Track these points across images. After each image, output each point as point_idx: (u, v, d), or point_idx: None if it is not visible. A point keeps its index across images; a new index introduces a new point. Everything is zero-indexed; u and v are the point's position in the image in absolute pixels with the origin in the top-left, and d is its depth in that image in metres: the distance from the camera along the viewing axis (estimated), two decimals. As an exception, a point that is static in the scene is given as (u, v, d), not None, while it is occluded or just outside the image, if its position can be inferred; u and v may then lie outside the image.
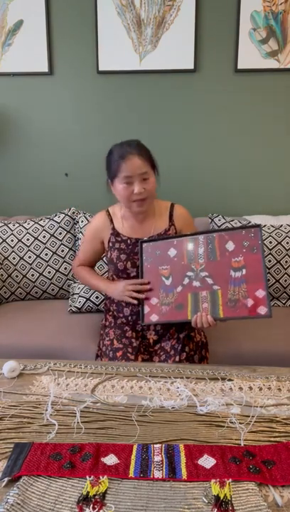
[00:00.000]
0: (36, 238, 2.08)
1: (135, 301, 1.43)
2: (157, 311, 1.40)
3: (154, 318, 1.40)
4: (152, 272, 1.45)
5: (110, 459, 0.83)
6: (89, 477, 0.78)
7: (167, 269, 1.42)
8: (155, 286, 1.43)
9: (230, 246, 1.36)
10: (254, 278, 1.30)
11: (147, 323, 1.42)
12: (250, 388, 1.10)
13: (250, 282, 1.31)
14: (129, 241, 1.54)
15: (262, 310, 1.27)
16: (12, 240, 2.07)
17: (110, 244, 1.56)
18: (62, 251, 2.09)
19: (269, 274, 2.00)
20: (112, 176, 1.46)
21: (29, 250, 2.07)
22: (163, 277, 1.42)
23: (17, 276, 2.07)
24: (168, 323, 1.44)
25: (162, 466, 0.81)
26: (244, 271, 1.32)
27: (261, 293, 1.29)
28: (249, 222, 2.11)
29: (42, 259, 2.07)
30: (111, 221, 1.58)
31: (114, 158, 1.45)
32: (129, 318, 1.55)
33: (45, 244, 2.08)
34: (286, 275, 2.01)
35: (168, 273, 1.42)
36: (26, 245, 2.07)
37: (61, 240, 2.10)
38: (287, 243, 2.01)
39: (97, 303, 1.93)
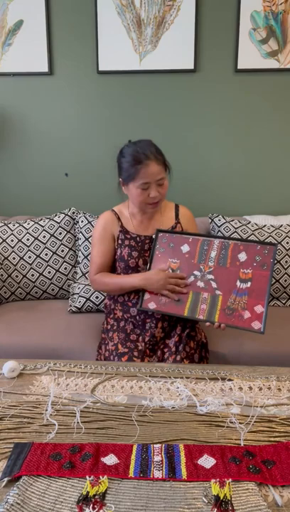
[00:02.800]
0: (36, 238, 2.08)
1: (175, 297, 1.42)
2: (156, 300, 1.45)
3: (152, 306, 1.46)
4: (161, 262, 1.48)
5: (110, 459, 0.83)
6: (89, 477, 0.78)
7: (176, 263, 1.46)
8: None
9: (242, 257, 1.39)
10: (257, 293, 1.34)
11: (144, 309, 1.47)
12: (250, 388, 1.10)
13: (252, 296, 1.34)
14: (138, 238, 1.55)
15: (256, 325, 1.32)
16: (12, 240, 2.07)
17: (119, 242, 1.56)
18: (62, 251, 2.09)
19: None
20: (128, 179, 1.47)
21: (29, 250, 2.07)
22: (171, 270, 1.46)
23: (17, 276, 2.07)
24: (163, 314, 1.48)
25: (162, 466, 0.81)
26: (249, 283, 1.36)
27: (259, 309, 1.33)
28: (250, 222, 2.11)
29: (42, 259, 2.07)
30: (119, 219, 1.58)
31: (130, 162, 1.44)
32: (137, 317, 1.54)
33: (45, 244, 2.08)
34: (286, 275, 2.01)
35: (177, 267, 1.46)
36: (26, 245, 2.07)
37: (61, 240, 2.10)
38: (287, 243, 2.01)
39: (97, 303, 1.93)
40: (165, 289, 1.42)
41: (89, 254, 1.80)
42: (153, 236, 1.52)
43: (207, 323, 1.38)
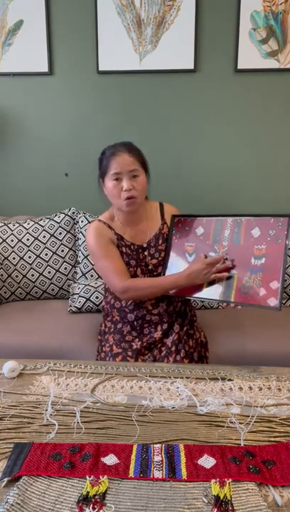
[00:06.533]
0: (36, 238, 2.08)
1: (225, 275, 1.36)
2: None
3: (172, 290, 1.46)
4: (178, 247, 1.50)
5: (110, 459, 0.83)
6: (89, 477, 0.78)
7: (192, 247, 1.47)
8: (178, 261, 1.49)
9: (256, 232, 1.37)
10: (271, 268, 1.30)
11: (165, 294, 1.47)
12: (250, 388, 1.10)
13: (267, 272, 1.31)
14: (132, 247, 1.52)
15: (272, 302, 1.27)
16: (12, 240, 2.07)
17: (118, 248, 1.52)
18: (62, 251, 2.09)
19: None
20: (103, 173, 1.48)
21: (29, 250, 2.07)
22: (187, 254, 1.48)
23: (17, 276, 2.07)
24: (181, 297, 1.49)
25: (162, 466, 0.81)
26: (263, 259, 1.33)
27: (275, 284, 1.29)
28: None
29: (42, 259, 2.07)
30: (109, 227, 1.52)
31: (105, 157, 1.46)
32: (135, 323, 1.53)
33: (45, 244, 2.08)
34: (286, 275, 2.01)
35: (193, 250, 1.47)
36: (26, 245, 2.07)
37: (61, 240, 2.10)
38: (287, 243, 2.01)
39: (97, 303, 1.93)
40: (211, 277, 1.36)
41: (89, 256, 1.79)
42: (155, 233, 1.50)
43: (224, 304, 1.37)
